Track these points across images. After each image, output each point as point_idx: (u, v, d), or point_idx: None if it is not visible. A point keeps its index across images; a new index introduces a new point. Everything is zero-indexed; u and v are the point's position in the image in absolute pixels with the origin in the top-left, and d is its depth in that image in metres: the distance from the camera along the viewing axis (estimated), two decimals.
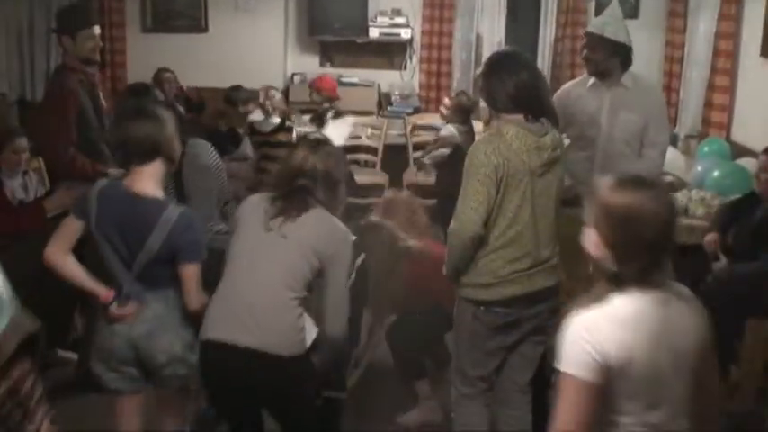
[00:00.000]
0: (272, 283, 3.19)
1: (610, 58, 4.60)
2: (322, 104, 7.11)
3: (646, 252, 2.30)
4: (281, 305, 3.18)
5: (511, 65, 3.48)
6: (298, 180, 3.27)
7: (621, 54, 4.61)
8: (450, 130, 6.57)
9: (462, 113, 6.67)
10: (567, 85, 4.92)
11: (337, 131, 5.07)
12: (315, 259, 3.21)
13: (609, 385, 2.28)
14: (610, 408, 2.33)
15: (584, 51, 4.69)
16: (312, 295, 3.31)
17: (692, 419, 2.40)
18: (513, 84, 3.40)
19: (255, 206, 3.33)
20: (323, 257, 3.21)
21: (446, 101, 7.11)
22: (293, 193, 3.26)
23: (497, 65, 3.53)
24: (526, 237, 3.43)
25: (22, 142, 5.10)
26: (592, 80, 4.72)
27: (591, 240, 2.41)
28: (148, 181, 3.31)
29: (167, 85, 7.38)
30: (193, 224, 3.33)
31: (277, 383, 3.22)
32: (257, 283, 3.19)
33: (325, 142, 3.51)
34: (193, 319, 3.35)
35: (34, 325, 1.98)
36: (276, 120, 6.54)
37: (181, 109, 5.86)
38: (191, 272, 3.30)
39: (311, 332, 3.29)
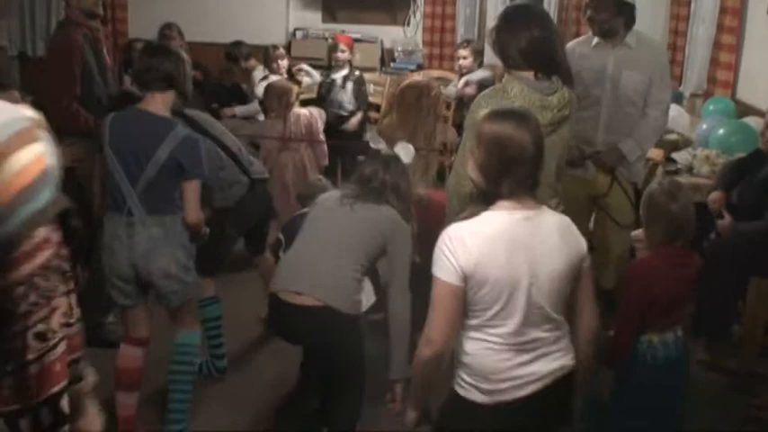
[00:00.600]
0: (336, 246, 3.59)
1: (614, 18, 4.59)
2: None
3: (510, 173, 2.58)
4: (342, 266, 3.52)
5: (524, 19, 3.37)
6: (371, 184, 3.75)
7: (625, 14, 4.60)
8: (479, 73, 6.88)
9: (481, 57, 6.89)
10: (571, 44, 4.89)
11: (403, 152, 5.15)
12: (379, 237, 3.62)
13: (468, 291, 2.56)
14: (472, 314, 2.62)
15: (588, 12, 4.68)
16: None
17: (554, 332, 2.69)
18: (525, 39, 3.31)
19: (334, 194, 3.86)
20: (386, 239, 3.63)
21: (461, 51, 7.12)
22: (368, 192, 3.73)
23: (510, 19, 3.43)
24: None
25: (14, 95, 5.06)
26: (596, 39, 4.72)
27: (469, 164, 2.74)
28: (161, 105, 3.74)
29: (172, 42, 7.31)
30: (197, 145, 3.73)
31: (330, 335, 3.49)
32: (323, 244, 3.61)
33: (395, 159, 4.05)
34: (191, 238, 3.83)
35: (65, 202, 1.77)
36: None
37: None
38: (192, 186, 3.72)
39: (369, 299, 3.73)
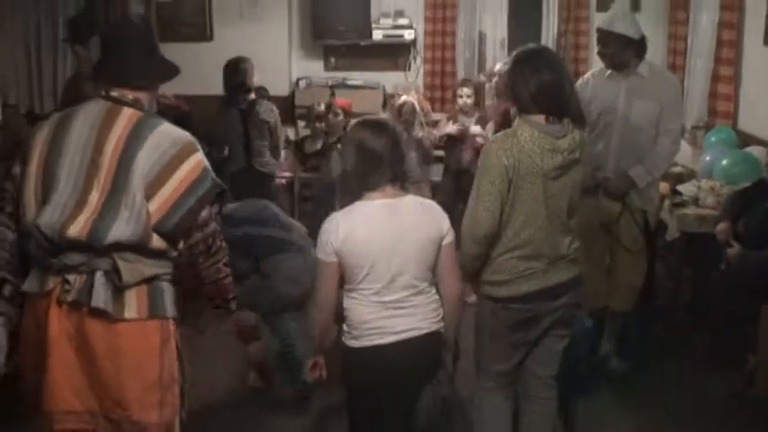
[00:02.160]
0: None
1: (623, 51, 4.71)
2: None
3: (371, 171, 3.22)
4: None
5: (534, 64, 3.42)
6: None
7: (633, 46, 4.70)
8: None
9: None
10: (586, 75, 5.05)
11: None
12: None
13: (341, 264, 3.20)
14: (347, 280, 3.25)
15: (599, 46, 4.81)
16: None
17: (418, 296, 3.27)
18: (535, 83, 3.36)
19: None
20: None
21: (462, 90, 7.17)
22: None
23: (520, 63, 3.47)
24: (540, 238, 3.44)
25: None
26: (609, 71, 4.83)
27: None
28: None
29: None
30: None
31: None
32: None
33: None
34: None
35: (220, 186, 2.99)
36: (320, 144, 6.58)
37: None
38: None
39: None
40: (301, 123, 8.05)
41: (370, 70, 8.96)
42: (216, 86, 6.71)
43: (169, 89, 7.56)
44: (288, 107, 8.34)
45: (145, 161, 2.74)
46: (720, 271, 4.96)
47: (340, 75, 8.79)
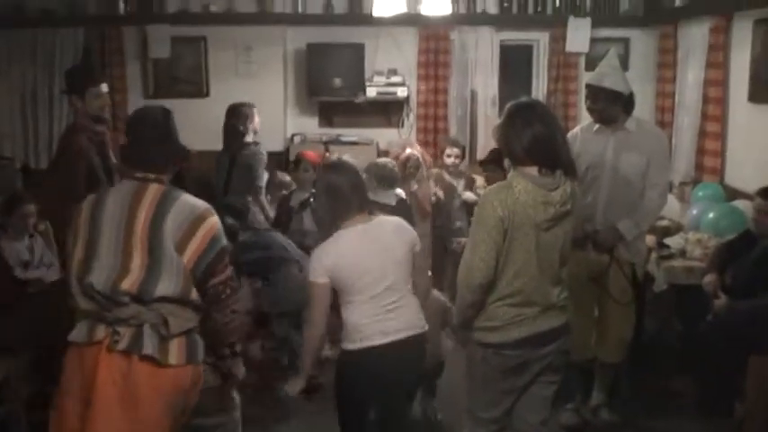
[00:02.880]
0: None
1: (611, 106, 4.80)
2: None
3: (340, 205, 3.77)
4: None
5: (527, 117, 3.50)
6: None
7: (622, 101, 4.80)
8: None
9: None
10: (575, 129, 5.14)
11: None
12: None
13: (336, 281, 3.70)
14: (343, 293, 3.74)
15: (588, 101, 4.90)
16: None
17: (401, 300, 3.78)
18: (528, 137, 3.44)
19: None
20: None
21: (449, 150, 7.31)
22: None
23: (514, 116, 3.55)
24: (532, 287, 3.51)
25: (30, 208, 5.29)
26: (597, 125, 4.92)
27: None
28: None
29: None
30: None
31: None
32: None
33: None
34: None
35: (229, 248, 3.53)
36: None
37: None
38: None
39: None
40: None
41: (364, 127, 9.06)
42: (212, 142, 6.80)
43: None
44: (282, 162, 8.42)
45: (171, 225, 3.21)
46: (708, 322, 5.01)
47: (334, 131, 8.90)
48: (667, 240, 5.87)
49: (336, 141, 8.60)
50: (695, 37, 7.60)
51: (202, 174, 6.78)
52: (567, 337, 3.70)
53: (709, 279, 5.13)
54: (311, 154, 6.70)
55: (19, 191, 6.89)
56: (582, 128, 5.11)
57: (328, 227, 3.85)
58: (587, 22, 8.80)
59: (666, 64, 8.28)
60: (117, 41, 8.89)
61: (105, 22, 8.84)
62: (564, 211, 3.49)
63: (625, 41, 8.88)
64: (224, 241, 3.38)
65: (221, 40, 8.97)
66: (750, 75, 6.53)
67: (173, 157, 3.46)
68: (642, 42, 8.88)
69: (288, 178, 7.45)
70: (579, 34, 8.84)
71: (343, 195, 3.77)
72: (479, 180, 7.29)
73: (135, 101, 8.92)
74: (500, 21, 8.99)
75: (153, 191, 3.28)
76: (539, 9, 8.97)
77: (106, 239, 3.22)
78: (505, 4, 8.95)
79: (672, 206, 6.29)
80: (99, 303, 3.17)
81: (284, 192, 7.07)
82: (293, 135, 8.91)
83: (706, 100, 7.25)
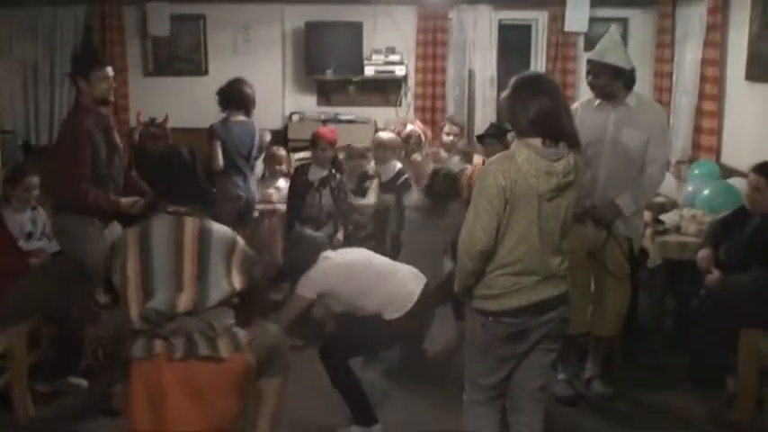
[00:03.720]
0: None
1: (613, 82, 4.82)
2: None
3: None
4: None
5: (533, 89, 3.52)
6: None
7: (624, 77, 4.82)
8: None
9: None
10: (575, 105, 5.12)
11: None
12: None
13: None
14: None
15: (589, 77, 4.91)
16: None
17: None
18: (534, 108, 3.46)
19: None
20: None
21: (448, 127, 7.35)
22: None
23: (520, 88, 3.57)
24: (532, 256, 3.53)
25: (33, 180, 5.33)
26: (598, 101, 4.94)
27: None
28: None
29: (151, 141, 7.25)
30: None
31: None
32: None
33: None
34: None
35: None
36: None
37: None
38: None
39: None
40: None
41: (362, 105, 9.10)
42: (211, 119, 6.83)
43: (168, 122, 7.73)
44: (281, 140, 8.44)
45: (216, 246, 3.77)
46: (701, 296, 5.04)
47: (332, 110, 8.92)
48: (662, 216, 5.90)
49: (334, 120, 8.64)
50: (693, 17, 7.63)
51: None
52: (567, 306, 3.73)
53: (704, 254, 5.15)
54: (327, 133, 6.58)
55: (22, 163, 6.94)
56: (582, 103, 5.12)
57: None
58: (586, 1, 8.79)
59: (664, 44, 8.30)
60: (117, 19, 8.92)
61: (106, 1, 8.85)
62: (567, 181, 3.51)
63: (624, 21, 8.88)
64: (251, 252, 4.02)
65: (220, 18, 9.03)
66: (748, 54, 6.55)
67: (196, 200, 3.95)
68: (641, 22, 8.89)
69: (283, 152, 7.46)
70: (578, 13, 8.83)
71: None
72: (477, 158, 7.31)
73: (135, 79, 9.01)
74: (498, 0, 9.00)
75: (191, 222, 3.78)
76: None
77: (160, 268, 3.68)
78: None
79: (668, 184, 6.31)
80: (156, 323, 3.59)
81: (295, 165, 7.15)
82: (291, 113, 8.93)
83: (703, 79, 7.27)
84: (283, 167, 7.40)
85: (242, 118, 6.63)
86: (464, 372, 3.88)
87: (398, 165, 6.75)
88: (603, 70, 4.82)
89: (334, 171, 6.47)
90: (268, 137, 7.21)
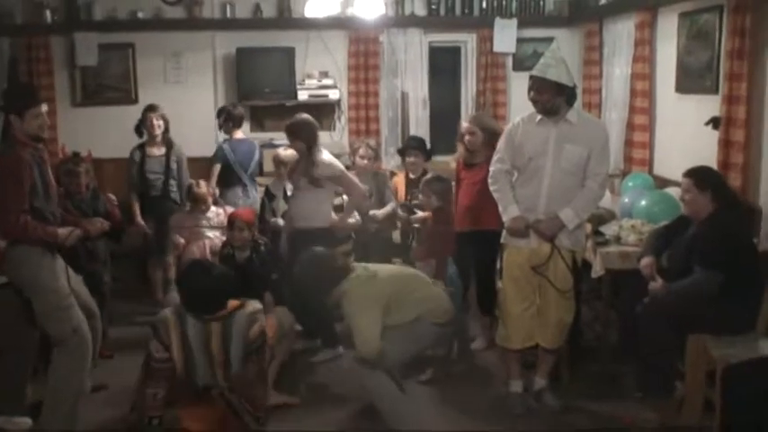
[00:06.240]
0: None
1: (555, 98, 4.88)
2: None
3: None
4: None
5: None
6: None
7: (565, 93, 4.88)
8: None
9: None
10: (516, 120, 5.19)
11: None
12: None
13: None
14: None
15: (531, 93, 4.96)
16: None
17: None
18: None
19: None
20: None
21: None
22: None
23: None
24: None
25: None
26: (540, 116, 4.99)
27: None
28: None
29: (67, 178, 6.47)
30: None
31: None
32: None
33: None
34: None
35: None
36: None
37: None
38: None
39: None
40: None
41: None
42: None
43: (96, 151, 7.59)
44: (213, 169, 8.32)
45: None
46: (645, 304, 5.09)
47: (266, 135, 8.86)
48: (602, 228, 5.98)
49: (269, 146, 8.58)
50: (621, 32, 7.78)
51: None
52: None
53: (646, 262, 5.21)
54: (243, 213, 6.41)
55: None
56: (524, 119, 5.16)
57: None
58: (513, 22, 8.97)
59: (592, 61, 8.47)
60: (44, 50, 8.80)
61: (32, 32, 8.74)
62: None
63: (550, 41, 9.00)
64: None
65: (149, 46, 8.97)
66: (677, 66, 6.69)
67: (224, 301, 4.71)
68: (567, 41, 9.02)
69: (203, 189, 7.28)
70: (506, 35, 9.00)
71: None
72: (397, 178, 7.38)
73: (63, 109, 8.84)
74: (428, 23, 9.12)
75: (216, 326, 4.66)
76: (466, 11, 9.14)
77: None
78: (433, 7, 9.08)
79: (603, 197, 6.39)
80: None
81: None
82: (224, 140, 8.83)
83: (633, 93, 7.42)
84: (209, 202, 7.27)
85: (242, 135, 7.77)
86: None
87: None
88: (546, 86, 4.87)
89: (255, 255, 6.21)
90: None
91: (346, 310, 4.98)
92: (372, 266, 5.22)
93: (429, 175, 6.40)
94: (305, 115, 6.28)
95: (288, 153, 7.07)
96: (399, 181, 7.23)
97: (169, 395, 4.76)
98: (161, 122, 7.25)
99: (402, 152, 7.28)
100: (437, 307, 5.07)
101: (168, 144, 7.34)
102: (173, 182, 7.38)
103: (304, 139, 6.10)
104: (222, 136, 8.04)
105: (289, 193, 6.93)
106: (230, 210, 6.95)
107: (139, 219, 7.31)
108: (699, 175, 5.04)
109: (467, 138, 6.20)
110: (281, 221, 6.83)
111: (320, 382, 5.85)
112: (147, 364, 4.72)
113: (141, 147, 7.35)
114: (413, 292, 5.08)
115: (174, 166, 7.35)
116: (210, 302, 4.69)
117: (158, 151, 7.31)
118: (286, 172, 6.93)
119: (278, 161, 7.16)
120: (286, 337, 5.62)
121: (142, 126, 7.32)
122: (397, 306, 4.94)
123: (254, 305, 4.85)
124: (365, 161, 7.07)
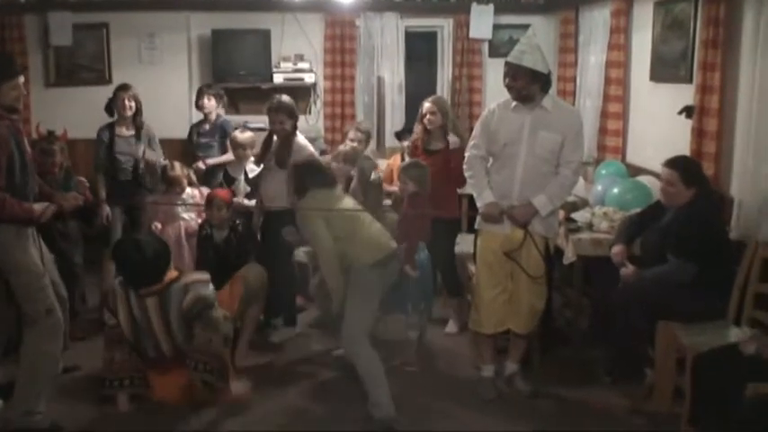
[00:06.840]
0: None
1: (530, 85, 4.90)
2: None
3: None
4: None
5: None
6: None
7: (540, 80, 4.90)
8: None
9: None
10: (492, 106, 5.21)
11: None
12: None
13: None
14: None
15: (507, 79, 4.96)
16: None
17: None
18: None
19: None
20: None
21: (352, 134, 7.23)
22: None
23: None
24: None
25: None
26: (515, 103, 5.00)
27: None
28: None
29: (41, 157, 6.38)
30: None
31: None
32: None
33: None
34: None
35: None
36: None
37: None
38: None
39: None
40: None
41: None
42: None
43: (71, 131, 7.53)
44: (188, 149, 8.30)
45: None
46: (616, 290, 5.14)
47: (241, 118, 8.80)
48: (574, 215, 6.02)
49: (243, 128, 8.54)
50: (597, 20, 7.78)
51: None
52: None
53: (617, 249, 5.26)
54: (221, 192, 6.46)
55: None
56: (499, 105, 5.17)
57: None
58: (490, 8, 8.96)
59: (567, 48, 8.48)
60: (18, 30, 8.71)
61: (5, 11, 8.62)
62: None
63: (526, 28, 9.01)
64: None
65: (124, 26, 8.88)
66: (651, 55, 6.71)
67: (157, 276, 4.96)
68: (543, 28, 9.04)
69: (178, 171, 7.21)
70: (482, 21, 9.00)
71: None
72: (384, 163, 7.39)
73: (37, 90, 8.75)
74: (405, 7, 9.08)
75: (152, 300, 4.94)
76: None
77: None
78: None
79: (576, 184, 6.44)
80: None
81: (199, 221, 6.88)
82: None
83: (608, 81, 7.43)
84: (183, 184, 7.17)
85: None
86: None
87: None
88: (521, 73, 4.88)
89: (233, 234, 6.22)
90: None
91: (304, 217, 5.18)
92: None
93: (407, 161, 6.40)
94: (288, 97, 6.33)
95: (245, 136, 7.30)
96: (394, 164, 7.21)
97: (133, 362, 5.08)
98: (132, 103, 7.13)
99: (399, 135, 7.35)
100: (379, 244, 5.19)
101: (138, 125, 7.24)
102: (142, 167, 7.20)
103: (294, 119, 6.25)
104: (196, 115, 8.03)
105: (250, 175, 7.05)
106: (206, 191, 6.92)
107: (104, 200, 7.11)
108: (685, 170, 5.07)
109: (427, 117, 6.28)
110: (247, 202, 6.94)
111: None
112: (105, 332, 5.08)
113: (110, 126, 7.23)
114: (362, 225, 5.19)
115: (143, 147, 7.21)
116: (143, 277, 4.94)
117: (128, 131, 7.19)
118: (244, 154, 7.16)
119: (236, 144, 7.34)
120: (256, 298, 5.78)
121: (113, 105, 7.24)
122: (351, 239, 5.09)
123: (192, 276, 5.09)
124: (355, 144, 7.08)
